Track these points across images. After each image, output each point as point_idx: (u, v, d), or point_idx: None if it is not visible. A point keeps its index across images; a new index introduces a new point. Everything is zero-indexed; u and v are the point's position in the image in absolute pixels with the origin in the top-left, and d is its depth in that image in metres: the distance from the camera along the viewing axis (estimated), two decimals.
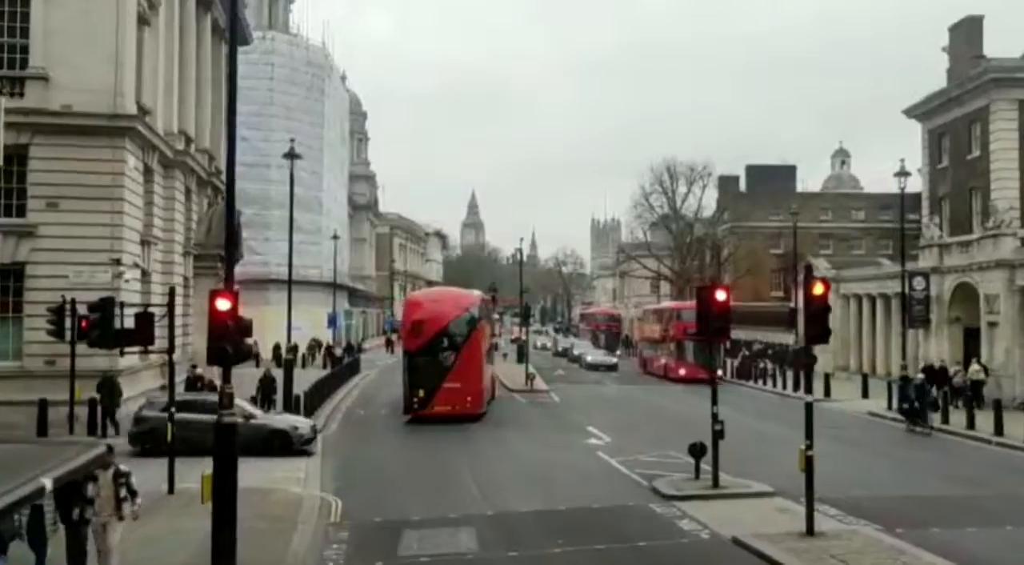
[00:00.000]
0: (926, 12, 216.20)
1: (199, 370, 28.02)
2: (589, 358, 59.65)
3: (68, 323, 22.79)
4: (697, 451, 18.91)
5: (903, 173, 35.28)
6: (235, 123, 13.49)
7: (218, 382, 13.45)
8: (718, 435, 18.34)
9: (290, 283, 33.41)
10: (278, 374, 31.12)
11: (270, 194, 57.17)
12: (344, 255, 73.62)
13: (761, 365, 48.80)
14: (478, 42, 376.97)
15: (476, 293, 38.09)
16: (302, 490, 18.76)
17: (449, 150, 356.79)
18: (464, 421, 29.65)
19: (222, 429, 12.11)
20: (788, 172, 79.74)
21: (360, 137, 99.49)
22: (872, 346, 47.36)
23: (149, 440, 21.07)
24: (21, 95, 25.94)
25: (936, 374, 32.02)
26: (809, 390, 15.36)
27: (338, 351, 55.68)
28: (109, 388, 24.71)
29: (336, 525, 15.99)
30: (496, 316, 78.73)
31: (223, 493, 12.02)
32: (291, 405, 28.18)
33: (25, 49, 26.08)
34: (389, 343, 77.66)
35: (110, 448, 11.51)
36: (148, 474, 17.35)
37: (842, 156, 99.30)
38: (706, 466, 18.68)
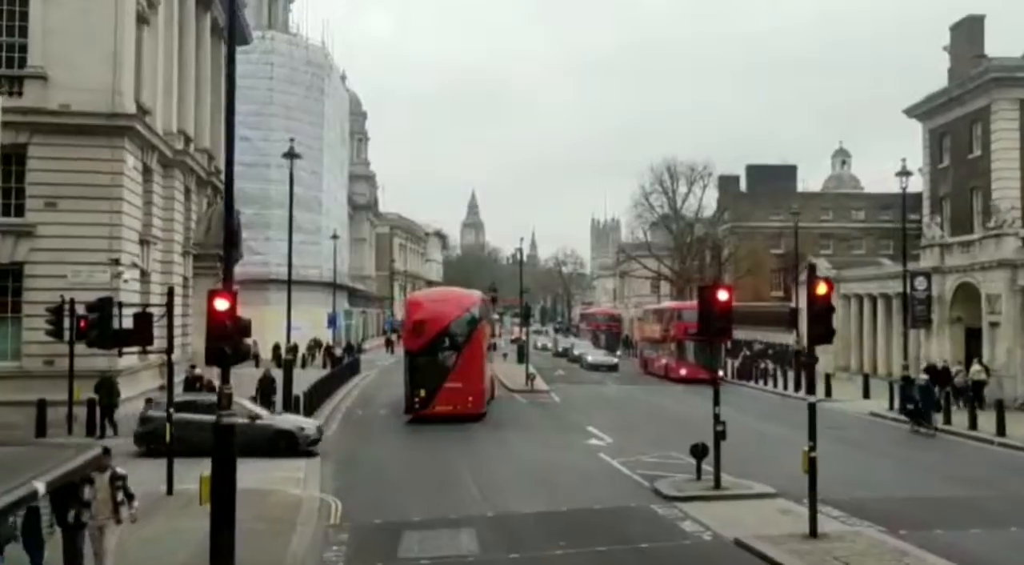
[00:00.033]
0: (926, 12, 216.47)
1: (198, 370, 27.92)
2: (590, 358, 59.54)
3: (67, 323, 22.69)
4: (699, 452, 18.81)
5: (905, 173, 35.18)
6: (234, 123, 13.40)
7: (217, 382, 13.35)
8: (720, 436, 18.22)
9: (289, 283, 33.34)
10: (278, 374, 31.02)
11: (270, 194, 57.06)
12: (344, 255, 73.52)
13: (762, 365, 48.66)
14: (478, 42, 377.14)
15: (476, 293, 38.06)
16: (301, 491, 18.64)
17: (449, 150, 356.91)
18: (465, 421, 29.59)
19: (220, 430, 12.02)
20: (789, 172, 79.63)
21: (360, 137, 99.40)
22: (873, 346, 47.26)
23: (154, 440, 20.84)
24: (20, 94, 25.84)
25: (939, 374, 31.87)
26: (812, 391, 15.26)
27: (338, 351, 55.58)
28: (107, 388, 24.61)
29: (336, 526, 15.89)
30: (496, 316, 78.79)
31: (222, 494, 11.93)
32: (290, 405, 28.10)
33: (24, 48, 25.99)
34: (389, 343, 77.59)
35: (107, 450, 11.41)
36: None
37: (842, 156, 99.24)
38: (708, 467, 18.59)
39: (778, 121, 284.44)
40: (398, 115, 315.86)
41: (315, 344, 57.65)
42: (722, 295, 18.01)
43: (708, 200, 75.09)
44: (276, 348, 44.00)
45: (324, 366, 50.76)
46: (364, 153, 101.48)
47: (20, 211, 25.73)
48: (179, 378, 25.99)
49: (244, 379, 31.90)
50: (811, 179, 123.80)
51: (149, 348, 19.11)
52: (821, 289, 14.72)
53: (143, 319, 18.37)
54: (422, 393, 30.13)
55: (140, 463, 19.72)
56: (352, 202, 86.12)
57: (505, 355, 61.24)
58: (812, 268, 15.27)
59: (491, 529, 15.42)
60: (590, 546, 14.19)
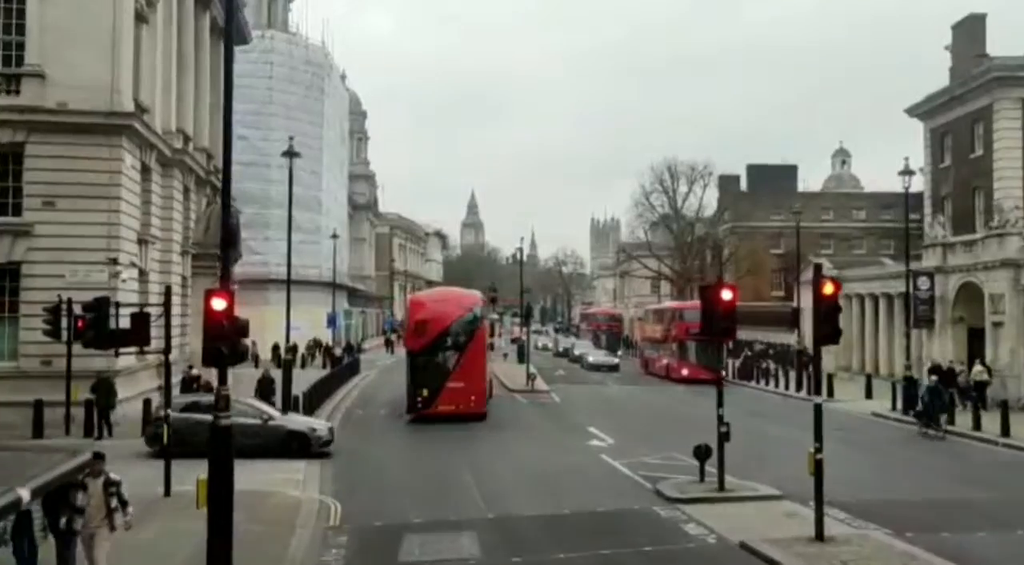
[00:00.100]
0: (926, 12, 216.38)
1: (195, 371, 27.71)
2: (591, 358, 59.32)
3: (64, 323, 22.51)
4: (702, 453, 18.64)
5: (907, 172, 34.94)
6: (232, 122, 13.23)
7: (215, 383, 13.14)
8: (724, 437, 18.01)
9: (289, 283, 33.16)
10: (277, 375, 30.84)
11: (269, 193, 56.86)
12: (344, 255, 73.33)
13: (764, 365, 48.47)
14: (478, 42, 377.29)
15: (477, 293, 38.03)
16: (300, 493, 18.46)
17: (449, 150, 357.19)
18: (466, 421, 29.48)
19: (218, 431, 11.82)
20: (789, 172, 79.54)
21: (360, 137, 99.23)
22: (875, 346, 47.11)
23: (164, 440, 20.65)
24: (17, 93, 25.76)
25: (944, 375, 31.63)
26: (819, 391, 15.04)
27: (337, 351, 55.37)
28: (105, 389, 24.41)
29: (335, 529, 15.69)
30: (496, 316, 78.55)
31: (219, 497, 11.73)
32: (290, 406, 27.87)
33: (21, 46, 25.87)
34: (389, 343, 77.40)
35: (101, 455, 11.20)
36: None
37: (842, 156, 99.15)
38: (711, 468, 18.41)
39: (778, 121, 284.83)
40: (398, 115, 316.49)
41: (315, 344, 57.45)
42: (726, 294, 17.80)
43: (708, 200, 75.10)
44: (275, 348, 43.78)
45: (324, 366, 50.58)
46: (364, 153, 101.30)
47: (18, 210, 25.59)
48: (177, 379, 25.80)
49: (243, 379, 31.79)
50: (811, 179, 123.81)
51: (146, 348, 18.91)
52: (828, 288, 14.52)
53: (140, 319, 18.20)
54: (424, 393, 30.12)
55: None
56: (352, 202, 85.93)
57: (506, 355, 61.05)
58: (818, 268, 15.05)
59: (493, 532, 15.23)
60: (593, 549, 13.99)
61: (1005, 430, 25.97)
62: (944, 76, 49.09)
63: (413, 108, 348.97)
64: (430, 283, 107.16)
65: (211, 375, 22.49)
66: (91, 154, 25.72)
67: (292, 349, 39.68)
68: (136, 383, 27.74)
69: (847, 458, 21.73)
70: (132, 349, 19.77)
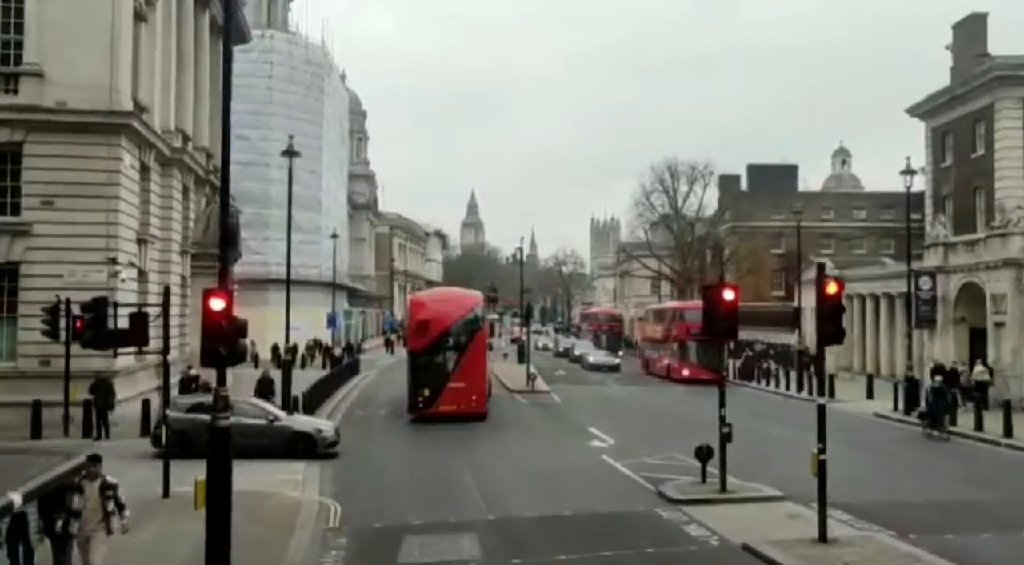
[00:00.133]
0: (927, 11, 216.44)
1: (193, 371, 27.59)
2: (591, 359, 59.17)
3: (63, 323, 22.38)
4: (704, 454, 18.52)
5: (909, 171, 34.78)
6: (230, 120, 13.14)
7: (214, 383, 13.03)
8: (726, 438, 17.89)
9: (288, 283, 33.06)
10: (276, 375, 30.74)
11: (269, 193, 56.73)
12: (344, 255, 73.23)
13: (764, 366, 48.35)
14: (478, 41, 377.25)
15: (478, 293, 38.01)
16: (300, 494, 18.35)
17: (449, 149, 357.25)
18: (467, 420, 29.45)
19: (216, 432, 11.71)
20: (789, 172, 79.46)
21: (359, 136, 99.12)
22: (876, 346, 47.01)
23: (174, 442, 20.52)
24: (15, 92, 25.66)
25: (948, 376, 31.49)
26: (822, 392, 14.89)
27: (337, 351, 55.26)
28: (103, 389, 24.30)
29: (335, 530, 15.58)
30: (496, 316, 78.38)
31: (217, 498, 11.62)
32: (289, 406, 27.74)
33: (19, 45, 25.76)
34: (388, 343, 77.31)
35: (97, 458, 11.08)
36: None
37: (843, 156, 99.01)
38: (712, 469, 18.29)
39: (778, 121, 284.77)
40: (398, 115, 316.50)
41: (315, 344, 57.33)
42: (728, 294, 17.68)
43: (709, 199, 74.98)
44: (275, 348, 43.68)
45: (323, 366, 50.46)
46: (364, 152, 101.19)
47: (16, 210, 25.49)
48: (176, 379, 25.69)
49: (242, 380, 31.71)
50: (811, 178, 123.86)
51: (144, 348, 18.79)
52: (831, 288, 14.40)
53: (138, 319, 18.11)
54: (426, 393, 30.18)
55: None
56: (352, 202, 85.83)
57: (506, 355, 60.93)
58: (822, 267, 14.95)
59: (493, 533, 15.11)
60: (595, 552, 13.87)
61: (1008, 430, 25.86)
62: (945, 75, 48.99)
63: (413, 108, 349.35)
64: (430, 283, 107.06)
65: (210, 375, 22.46)
66: (90, 153, 25.61)
67: (292, 349, 39.59)
68: (135, 383, 27.64)
69: (849, 459, 21.56)
70: (130, 349, 19.63)
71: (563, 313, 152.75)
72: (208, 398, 22.03)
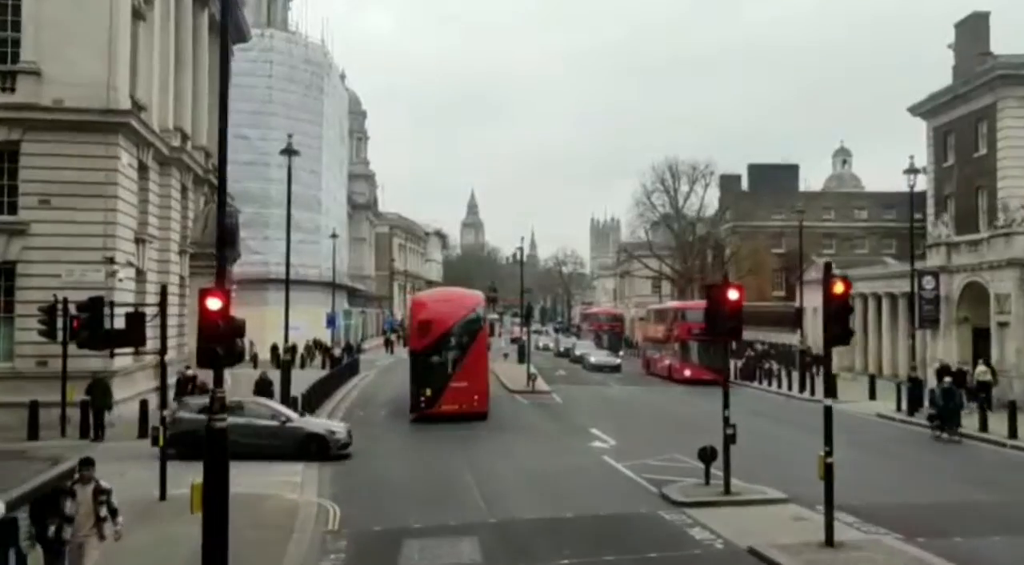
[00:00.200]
0: (927, 11, 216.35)
1: (191, 371, 27.37)
2: (592, 359, 58.89)
3: (60, 323, 22.16)
4: (707, 456, 18.31)
5: (913, 170, 34.56)
6: (227, 118, 12.96)
7: (211, 384, 12.83)
8: (730, 439, 17.68)
9: (287, 282, 32.92)
10: (275, 376, 30.54)
11: (269, 193, 56.53)
12: (343, 255, 73.03)
13: (766, 366, 48.13)
14: (478, 42, 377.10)
15: (479, 293, 37.93)
16: (299, 496, 18.13)
17: (448, 149, 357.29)
18: (468, 420, 29.36)
19: (213, 434, 11.49)
20: (790, 171, 79.20)
21: (359, 136, 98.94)
22: (878, 346, 46.79)
23: (183, 443, 20.33)
24: (12, 90, 25.47)
25: (954, 376, 31.17)
26: (829, 393, 14.60)
27: (337, 351, 55.05)
28: (101, 390, 24.08)
29: (334, 533, 15.36)
30: (496, 316, 78.07)
31: (214, 501, 11.40)
32: (288, 407, 27.52)
33: (16, 43, 25.58)
34: (388, 343, 77.13)
35: (90, 461, 10.86)
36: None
37: (843, 155, 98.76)
38: (716, 471, 18.08)
39: (778, 121, 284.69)
40: (398, 115, 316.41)
41: (314, 344, 57.12)
42: (732, 294, 17.48)
43: (710, 199, 74.74)
44: (274, 348, 43.51)
45: (323, 366, 50.25)
46: (363, 152, 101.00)
47: (13, 209, 25.30)
48: (172, 380, 25.47)
49: (241, 380, 31.53)
50: (812, 178, 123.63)
51: (141, 349, 18.58)
52: (838, 288, 14.18)
53: (135, 319, 17.89)
54: (428, 392, 30.18)
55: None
56: (351, 201, 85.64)
57: (506, 355, 60.68)
58: (828, 266, 14.70)
59: (494, 537, 14.90)
60: (597, 556, 13.67)
61: (1012, 432, 25.64)
62: (946, 75, 48.90)
63: (413, 108, 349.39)
64: (430, 283, 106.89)
65: (208, 376, 22.26)
66: (87, 152, 25.42)
67: (291, 349, 39.43)
68: (133, 384, 27.44)
69: (853, 460, 21.33)
70: (128, 350, 19.41)
71: (563, 313, 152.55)
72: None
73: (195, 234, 35.06)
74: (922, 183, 48.24)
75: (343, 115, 76.43)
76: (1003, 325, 34.59)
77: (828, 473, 13.86)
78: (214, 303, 11.21)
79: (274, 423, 22.43)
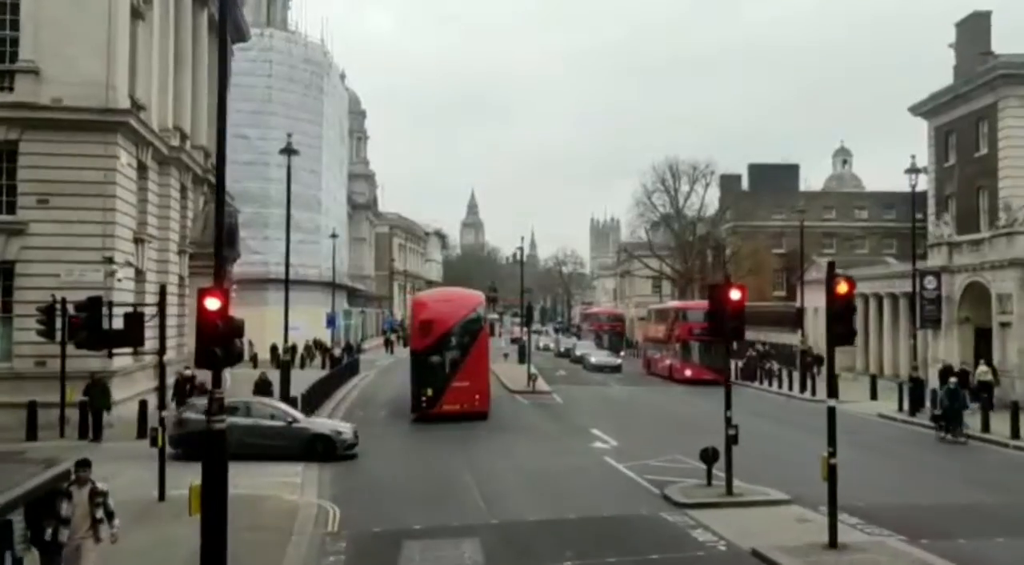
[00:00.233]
0: (927, 11, 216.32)
1: (189, 372, 27.26)
2: (593, 359, 58.73)
3: (58, 323, 22.06)
4: (709, 456, 18.21)
5: (914, 170, 34.46)
6: (225, 116, 12.89)
7: (210, 384, 12.72)
8: (732, 440, 17.56)
9: (287, 282, 32.85)
10: (275, 376, 30.44)
11: (269, 192, 56.42)
12: (343, 255, 72.93)
13: (767, 366, 48.02)
14: (478, 42, 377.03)
15: (479, 293, 37.91)
16: (298, 497, 18.03)
17: (449, 149, 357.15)
18: (468, 420, 29.31)
19: (211, 436, 11.38)
20: (791, 171, 79.01)
21: (359, 136, 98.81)
22: (879, 346, 46.65)
23: (189, 443, 20.17)
24: (11, 89, 25.34)
25: (958, 377, 31.01)
26: (832, 393, 14.47)
27: (337, 351, 54.95)
28: (99, 390, 23.98)
29: (333, 535, 15.26)
30: (495, 316, 77.92)
31: (212, 503, 11.29)
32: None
33: (15, 42, 25.44)
34: (388, 343, 77.02)
35: (86, 462, 10.75)
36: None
37: (843, 155, 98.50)
38: (718, 471, 17.97)
39: (778, 121, 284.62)
40: (398, 115, 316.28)
41: (314, 344, 57.01)
42: (734, 294, 17.39)
43: (710, 199, 74.50)
44: (274, 348, 43.39)
45: (323, 367, 50.14)
46: (363, 152, 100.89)
47: (11, 208, 25.18)
48: (171, 380, 25.36)
49: (240, 380, 31.39)
50: (812, 178, 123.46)
51: (141, 349, 18.46)
52: (842, 287, 14.07)
53: (134, 319, 17.78)
54: (429, 392, 30.22)
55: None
56: (351, 201, 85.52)
57: (506, 355, 60.57)
58: (832, 266, 14.59)
59: (496, 538, 14.79)
60: (599, 557, 13.56)
61: (1015, 432, 25.53)
62: (946, 74, 48.82)
63: (413, 108, 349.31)
64: (430, 283, 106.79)
65: (207, 376, 22.15)
66: (86, 151, 25.29)
67: (291, 349, 39.33)
68: (133, 384, 27.33)
69: (855, 461, 21.24)
70: (126, 350, 19.30)
71: (563, 313, 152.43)
72: (226, 400, 21.95)
73: (194, 234, 34.95)
74: (923, 183, 48.22)
75: (343, 115, 76.31)
76: (1005, 325, 34.47)
77: (832, 474, 13.76)
78: (213, 303, 11.10)
79: (280, 424, 22.42)
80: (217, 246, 12.35)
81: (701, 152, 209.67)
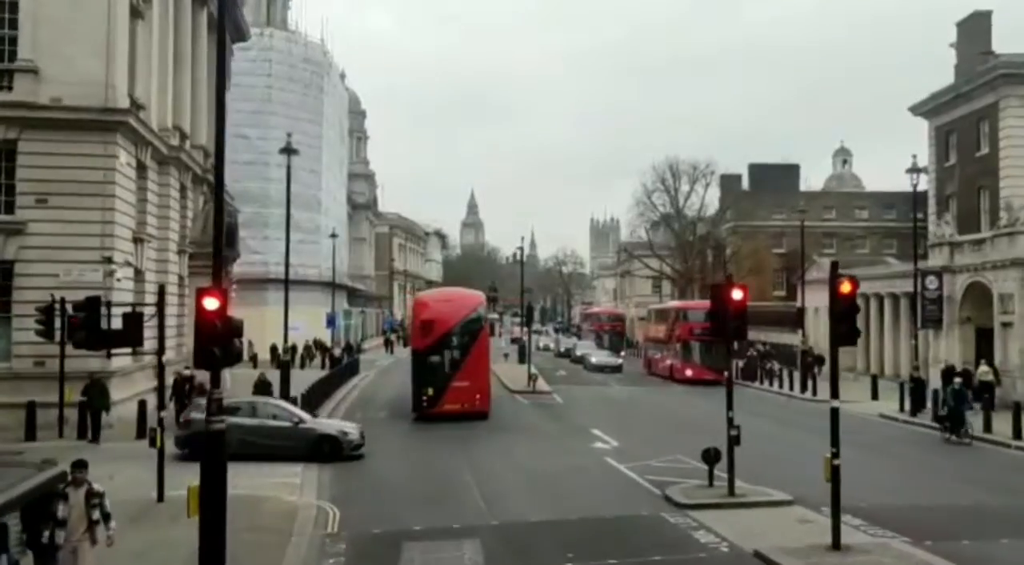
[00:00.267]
0: (927, 11, 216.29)
1: (188, 372, 27.16)
2: (594, 359, 58.62)
3: (57, 323, 21.98)
4: (711, 457, 18.10)
5: (915, 170, 34.41)
6: (224, 116, 12.80)
7: (209, 385, 12.64)
8: (734, 440, 17.47)
9: (287, 282, 32.78)
10: (274, 377, 30.35)
11: (269, 192, 56.33)
12: (343, 254, 72.83)
13: (768, 366, 47.94)
14: (478, 42, 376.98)
15: (480, 293, 37.89)
16: (297, 498, 17.94)
17: (449, 149, 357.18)
18: (468, 420, 29.28)
19: (210, 436, 11.31)
20: (791, 171, 78.90)
21: (359, 136, 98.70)
22: (880, 346, 46.57)
23: (196, 444, 20.08)
24: (9, 89, 25.26)
25: (964, 377, 30.92)
26: (835, 394, 14.38)
27: (336, 351, 54.85)
28: (98, 391, 23.88)
29: (333, 536, 15.18)
30: (495, 316, 77.83)
31: (211, 505, 11.22)
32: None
33: (14, 41, 25.35)
34: (388, 343, 76.92)
35: (83, 463, 10.65)
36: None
37: (844, 155, 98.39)
38: (719, 472, 17.88)
39: (778, 121, 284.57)
40: (398, 115, 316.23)
41: (314, 344, 56.91)
42: (737, 294, 17.30)
43: (711, 199, 74.34)
44: (274, 348, 43.28)
45: (323, 367, 50.05)
46: (363, 152, 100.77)
47: (10, 208, 25.08)
48: (170, 380, 25.26)
49: (240, 380, 31.31)
50: (812, 178, 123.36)
51: (138, 349, 18.38)
52: (846, 287, 13.98)
53: (133, 319, 17.69)
54: (430, 392, 30.28)
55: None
56: (351, 201, 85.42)
57: (506, 355, 60.49)
58: (835, 266, 14.52)
59: (496, 539, 14.71)
60: (600, 559, 13.47)
61: (1017, 433, 25.46)
62: (947, 74, 48.77)
63: (413, 108, 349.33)
64: (430, 283, 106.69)
65: (206, 377, 22.05)
66: (85, 151, 25.20)
67: (291, 349, 39.24)
68: (132, 384, 27.23)
69: (857, 461, 21.08)
70: (125, 350, 19.22)
71: (563, 313, 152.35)
72: (235, 401, 21.93)
73: (194, 234, 34.86)
74: (923, 183, 48.16)
75: (343, 115, 76.21)
76: (1007, 325, 34.41)
77: (835, 475, 13.66)
78: (211, 303, 11.03)
79: (287, 424, 22.37)
80: (216, 246, 12.27)
81: (701, 152, 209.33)
